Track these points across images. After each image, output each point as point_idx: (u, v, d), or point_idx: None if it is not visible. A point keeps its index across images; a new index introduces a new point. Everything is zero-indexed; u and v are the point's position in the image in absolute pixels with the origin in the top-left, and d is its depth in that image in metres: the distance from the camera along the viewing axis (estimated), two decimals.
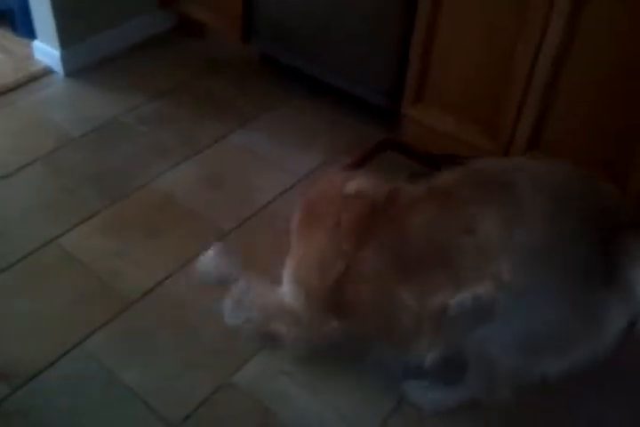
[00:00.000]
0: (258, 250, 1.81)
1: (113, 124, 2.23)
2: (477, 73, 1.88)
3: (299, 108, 2.36)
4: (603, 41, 1.63)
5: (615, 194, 1.29)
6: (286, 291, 1.52)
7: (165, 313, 1.67)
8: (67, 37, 2.34)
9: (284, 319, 1.50)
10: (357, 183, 1.48)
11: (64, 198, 1.95)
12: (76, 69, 2.41)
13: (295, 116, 2.33)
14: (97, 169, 2.06)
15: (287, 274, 1.53)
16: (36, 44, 2.42)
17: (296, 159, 2.16)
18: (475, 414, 1.49)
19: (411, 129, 2.15)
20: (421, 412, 1.50)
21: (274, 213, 1.94)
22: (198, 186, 2.03)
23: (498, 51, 1.80)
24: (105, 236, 1.85)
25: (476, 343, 1.31)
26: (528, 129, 1.85)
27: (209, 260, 1.73)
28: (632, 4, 1.56)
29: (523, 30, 1.73)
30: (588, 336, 1.24)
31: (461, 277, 1.24)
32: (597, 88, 1.70)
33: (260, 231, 1.88)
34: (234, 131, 2.24)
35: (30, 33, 2.42)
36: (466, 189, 1.29)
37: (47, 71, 2.41)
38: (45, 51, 2.40)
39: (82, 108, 2.29)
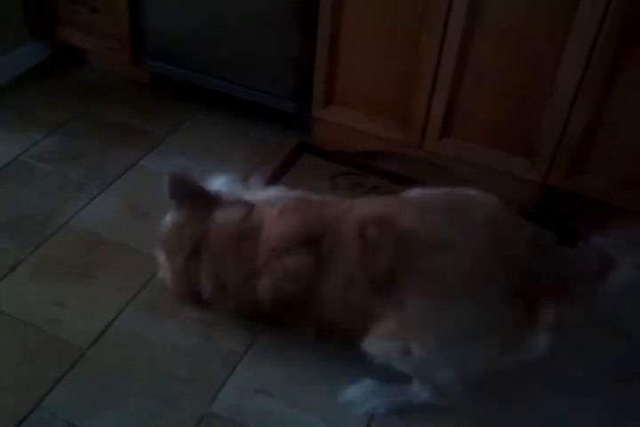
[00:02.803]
0: None
1: (13, 166, 2.08)
2: (385, 67, 1.93)
3: (204, 124, 2.33)
4: (504, 23, 1.72)
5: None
6: None
7: (123, 354, 1.59)
8: None
9: None
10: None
11: None
12: None
13: (202, 132, 2.29)
14: (7, 217, 1.91)
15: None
16: None
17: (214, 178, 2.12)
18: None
19: (324, 130, 2.18)
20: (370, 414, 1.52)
21: None
22: (121, 218, 1.94)
23: (404, 42, 1.86)
24: (36, 285, 1.73)
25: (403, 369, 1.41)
26: (439, 118, 1.93)
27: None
28: None
29: (426, 19, 1.79)
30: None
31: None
32: (500, 72, 1.81)
33: None
34: (144, 156, 2.17)
35: None
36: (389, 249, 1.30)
37: None
38: None
39: None
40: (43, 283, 1.74)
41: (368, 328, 1.36)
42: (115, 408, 1.48)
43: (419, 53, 1.86)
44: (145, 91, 2.47)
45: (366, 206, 1.42)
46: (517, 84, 1.80)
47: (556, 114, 1.79)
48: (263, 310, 1.46)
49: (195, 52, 2.21)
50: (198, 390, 1.52)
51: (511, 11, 1.70)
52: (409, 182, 2.10)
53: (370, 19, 1.87)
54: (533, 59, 1.74)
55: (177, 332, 1.64)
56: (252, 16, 2.04)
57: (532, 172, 1.91)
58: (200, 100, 2.40)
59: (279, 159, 2.17)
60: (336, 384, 1.55)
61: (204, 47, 2.19)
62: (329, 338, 1.50)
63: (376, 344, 1.37)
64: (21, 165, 2.09)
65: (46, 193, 2.00)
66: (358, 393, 1.53)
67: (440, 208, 1.35)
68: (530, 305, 1.26)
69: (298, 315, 1.46)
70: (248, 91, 2.22)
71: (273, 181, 2.08)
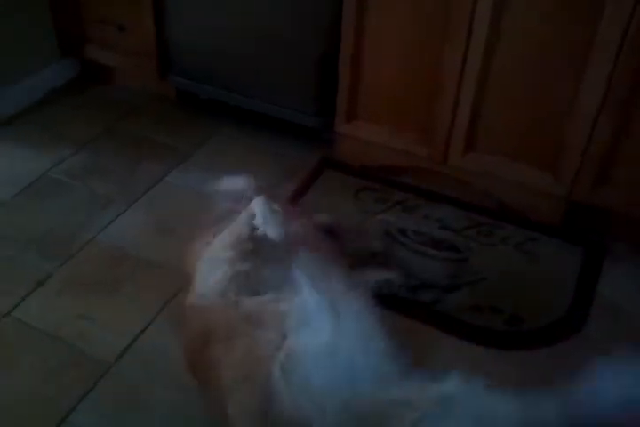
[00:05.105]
0: None
1: (42, 182, 2.13)
2: (408, 81, 1.94)
3: (229, 139, 2.35)
4: (528, 35, 1.72)
5: None
6: None
7: (149, 369, 1.60)
8: None
9: None
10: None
11: (7, 268, 1.83)
12: None
13: (227, 148, 2.32)
14: (36, 231, 1.95)
15: None
16: None
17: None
18: None
19: (347, 146, 2.19)
20: None
21: None
22: (148, 234, 1.97)
23: (427, 56, 1.86)
24: (62, 300, 1.75)
25: None
26: (463, 132, 1.93)
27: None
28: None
29: (448, 32, 1.79)
30: None
31: None
32: (523, 84, 1.80)
33: None
34: (169, 172, 2.20)
35: None
36: None
37: None
38: None
39: (5, 168, 2.18)
40: (69, 298, 1.76)
41: None
42: (141, 423, 1.48)
43: (441, 67, 1.86)
44: (171, 107, 2.51)
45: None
46: (541, 97, 1.79)
47: (580, 127, 1.77)
48: None
49: (220, 68, 2.24)
50: None
51: (534, 22, 1.70)
52: (434, 197, 2.10)
53: (392, 33, 1.88)
54: (557, 71, 1.73)
55: None
56: (276, 33, 2.07)
57: (556, 186, 1.90)
58: (225, 115, 2.43)
59: (303, 174, 2.19)
60: None
61: (229, 64, 2.21)
62: None
63: None
64: (50, 181, 2.14)
65: (74, 209, 2.04)
66: None
67: None
68: None
69: None
70: (272, 107, 2.24)
71: (297, 196, 2.09)
